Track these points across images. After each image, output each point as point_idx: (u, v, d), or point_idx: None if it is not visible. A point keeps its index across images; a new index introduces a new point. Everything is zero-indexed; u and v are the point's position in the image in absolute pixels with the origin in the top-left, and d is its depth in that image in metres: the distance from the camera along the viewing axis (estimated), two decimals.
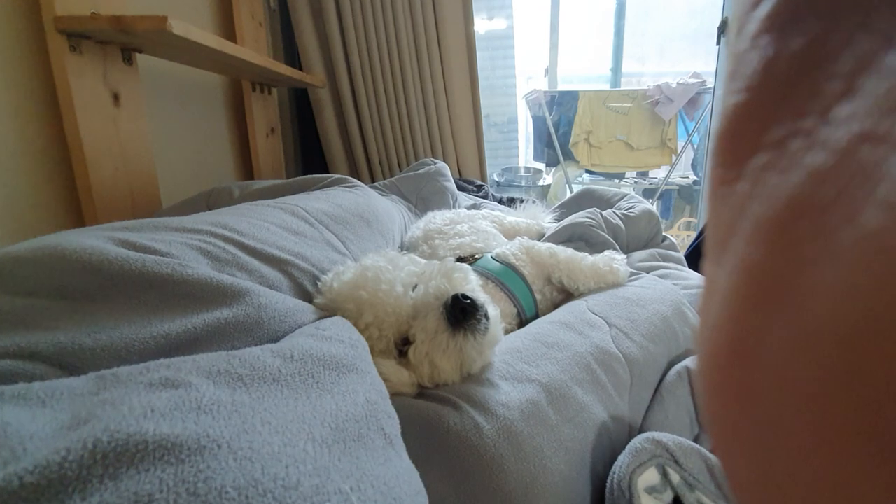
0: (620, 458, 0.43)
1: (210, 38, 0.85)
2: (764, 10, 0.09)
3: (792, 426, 0.07)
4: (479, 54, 1.64)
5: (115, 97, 0.84)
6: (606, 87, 2.73)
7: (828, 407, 0.06)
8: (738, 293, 0.08)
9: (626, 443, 0.47)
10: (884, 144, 0.06)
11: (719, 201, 0.09)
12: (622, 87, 2.68)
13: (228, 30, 1.30)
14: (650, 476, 0.40)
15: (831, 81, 0.07)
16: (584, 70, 2.86)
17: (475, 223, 0.89)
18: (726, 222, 0.09)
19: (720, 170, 0.09)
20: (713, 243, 0.09)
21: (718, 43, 1.81)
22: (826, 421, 0.06)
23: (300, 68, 1.60)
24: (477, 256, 0.75)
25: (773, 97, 0.08)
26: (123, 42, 0.82)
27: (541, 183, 2.64)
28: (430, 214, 0.96)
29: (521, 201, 1.32)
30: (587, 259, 0.76)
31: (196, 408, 0.21)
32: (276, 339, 0.39)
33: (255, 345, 0.38)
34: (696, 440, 0.57)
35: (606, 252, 0.80)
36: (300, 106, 1.74)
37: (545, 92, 2.47)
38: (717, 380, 0.09)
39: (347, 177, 0.86)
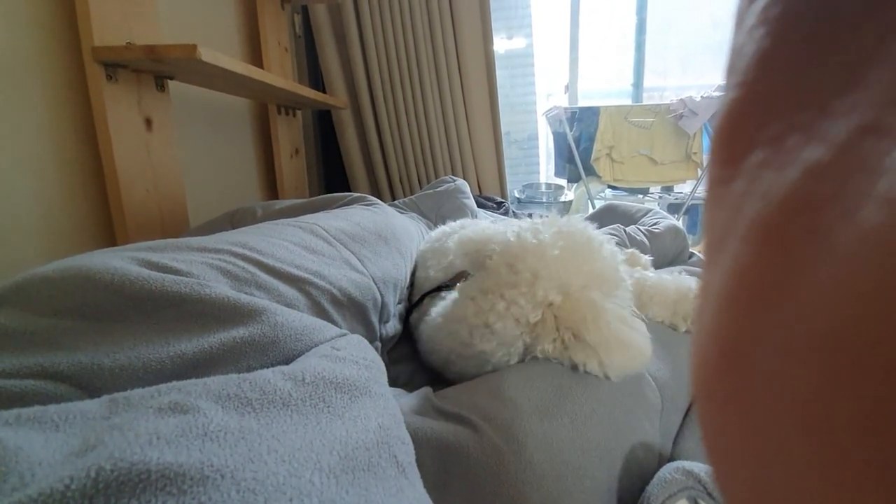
0: (648, 488, 0.41)
1: (238, 65, 0.88)
2: (762, 2, 0.08)
3: (787, 432, 0.07)
4: (499, 73, 1.66)
5: (148, 122, 0.87)
6: (628, 102, 2.71)
7: (824, 411, 0.06)
8: (732, 295, 0.08)
9: (656, 471, 0.44)
10: (887, 137, 0.06)
11: (715, 202, 0.09)
12: (644, 102, 2.65)
13: (256, 56, 1.35)
14: None
15: (831, 74, 0.07)
16: (605, 86, 2.84)
17: (466, 231, 0.88)
18: (722, 223, 0.08)
19: (717, 169, 0.09)
20: (708, 246, 0.09)
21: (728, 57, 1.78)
22: (822, 426, 0.06)
23: (323, 91, 1.65)
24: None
25: (770, 92, 0.08)
26: (156, 70, 0.86)
27: (562, 199, 2.61)
28: (428, 234, 0.95)
29: (541, 217, 1.30)
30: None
31: (202, 434, 0.21)
32: (291, 358, 0.39)
33: (271, 363, 0.38)
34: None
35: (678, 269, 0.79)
36: (323, 127, 1.78)
37: (565, 108, 2.46)
38: (709, 385, 0.08)
39: (366, 195, 0.87)
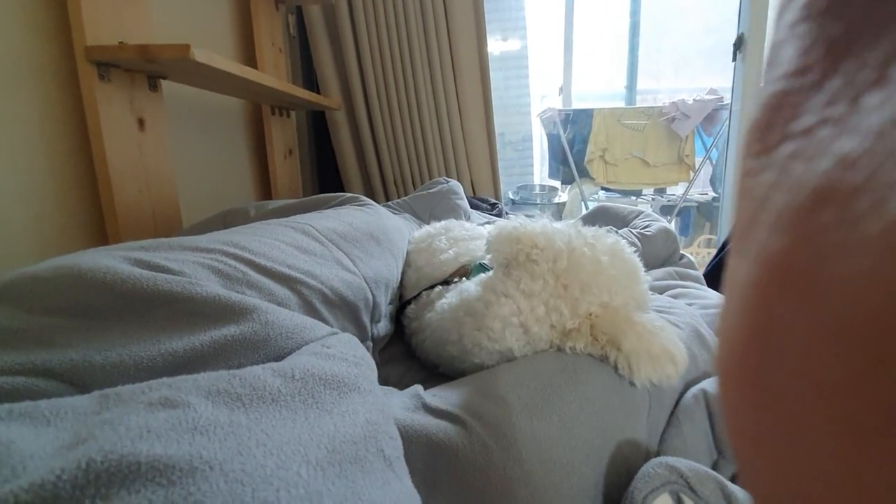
0: (632, 483, 0.41)
1: (231, 65, 0.89)
2: None
3: (813, 420, 0.07)
4: (493, 74, 1.67)
5: (141, 122, 0.87)
6: (621, 104, 2.73)
7: (851, 400, 0.06)
8: (759, 283, 0.08)
9: None
10: None
11: (745, 193, 0.09)
12: (637, 105, 2.67)
13: (250, 56, 1.35)
14: (663, 502, 0.39)
15: (865, 69, 0.07)
16: (599, 88, 2.87)
17: (453, 233, 0.88)
18: (750, 214, 0.08)
19: (749, 160, 0.09)
20: (736, 236, 0.09)
21: (734, 59, 1.80)
22: (849, 414, 0.06)
23: (318, 91, 1.65)
24: (468, 267, 0.75)
25: (806, 86, 0.08)
26: (149, 69, 0.86)
27: (556, 200, 2.63)
28: (413, 235, 0.95)
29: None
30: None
31: (192, 428, 0.21)
32: (282, 356, 0.39)
33: (262, 361, 0.38)
34: (714, 466, 0.55)
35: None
36: (317, 128, 1.79)
37: (559, 110, 2.48)
38: (735, 368, 0.08)
39: (359, 196, 0.87)
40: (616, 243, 0.60)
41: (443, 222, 0.97)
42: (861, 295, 0.06)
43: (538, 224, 0.59)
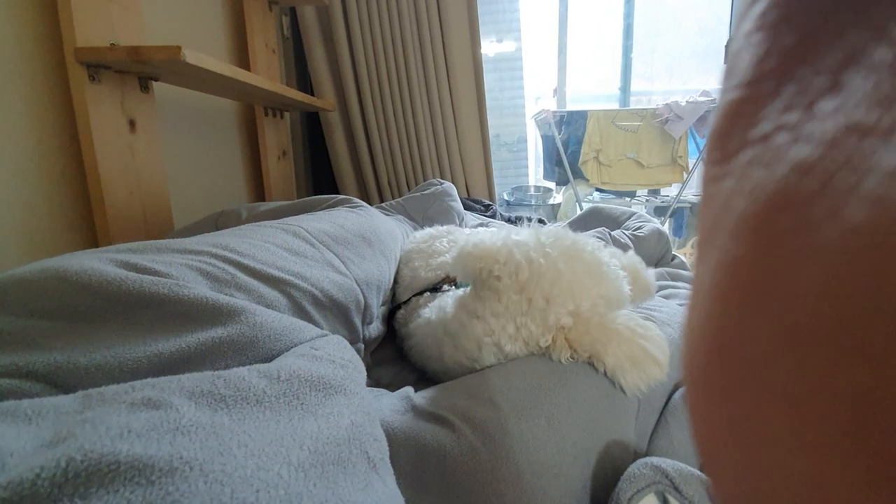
0: (619, 484, 0.42)
1: (223, 67, 0.88)
2: (759, 8, 0.09)
3: (775, 425, 0.07)
4: (488, 76, 1.67)
5: (132, 124, 0.87)
6: (615, 106, 2.74)
7: (811, 405, 0.06)
8: (720, 289, 0.08)
9: None
10: (871, 136, 0.06)
11: (707, 200, 0.09)
12: (631, 106, 2.69)
13: (243, 57, 1.35)
14: (649, 503, 0.39)
15: (818, 76, 0.07)
16: (593, 90, 2.88)
17: (454, 236, 0.89)
18: (712, 220, 0.09)
19: (710, 167, 0.09)
20: (700, 242, 0.09)
21: (726, 61, 1.82)
22: (809, 419, 0.06)
23: (311, 93, 1.65)
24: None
25: (762, 94, 0.08)
26: (140, 71, 0.86)
27: (551, 202, 2.64)
28: (412, 235, 0.96)
29: (540, 221, 1.32)
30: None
31: (174, 429, 0.21)
32: (271, 358, 0.39)
33: (250, 363, 0.38)
34: (701, 467, 0.55)
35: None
36: (311, 129, 1.78)
37: (554, 112, 2.49)
38: (699, 376, 0.09)
39: (351, 198, 0.87)
40: (574, 244, 0.58)
41: (445, 227, 0.98)
42: (819, 301, 0.06)
43: (499, 237, 0.58)
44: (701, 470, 0.53)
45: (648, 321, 0.56)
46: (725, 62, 0.10)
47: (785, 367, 0.07)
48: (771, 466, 0.07)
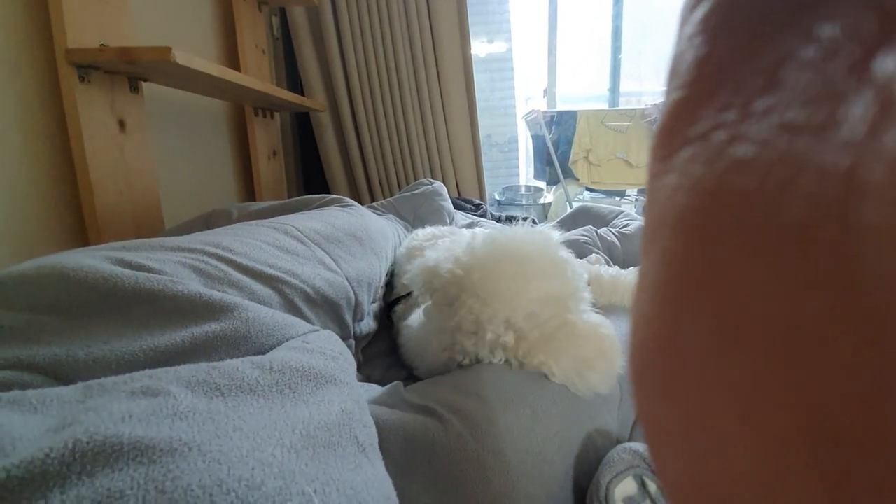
0: (599, 468, 0.44)
1: (213, 67, 0.89)
2: (700, 12, 0.09)
3: (722, 419, 0.07)
4: (479, 76, 1.69)
5: (122, 124, 0.88)
6: (605, 106, 2.78)
7: (754, 399, 0.06)
8: (662, 285, 0.08)
9: None
10: (803, 134, 0.06)
11: (652, 196, 0.09)
12: (620, 107, 2.72)
13: (232, 58, 1.36)
14: (628, 486, 0.41)
15: (753, 77, 0.07)
16: (583, 90, 2.91)
17: (457, 236, 0.91)
18: (655, 215, 0.09)
19: (654, 164, 0.09)
20: (644, 238, 0.09)
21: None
22: (753, 413, 0.06)
23: (302, 93, 1.66)
24: None
25: (702, 93, 0.08)
26: (130, 71, 0.87)
27: (541, 201, 2.66)
28: (413, 232, 0.98)
29: (523, 220, 1.34)
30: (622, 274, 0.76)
31: (172, 414, 0.23)
32: (263, 352, 0.40)
33: (243, 357, 0.39)
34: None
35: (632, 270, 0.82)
36: (302, 129, 1.79)
37: (544, 112, 2.51)
38: (644, 370, 0.09)
39: (343, 197, 0.89)
40: (492, 243, 0.53)
41: (447, 228, 1.00)
42: (756, 300, 0.06)
43: (440, 251, 0.57)
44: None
45: (598, 316, 0.54)
46: (670, 60, 0.10)
47: (727, 363, 0.07)
48: (716, 460, 0.07)
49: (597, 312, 0.58)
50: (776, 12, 0.08)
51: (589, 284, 0.66)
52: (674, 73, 0.09)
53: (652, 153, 0.10)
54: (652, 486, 0.41)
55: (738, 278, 0.07)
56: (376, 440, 0.34)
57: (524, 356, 0.52)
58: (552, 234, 0.58)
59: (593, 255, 0.89)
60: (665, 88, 0.10)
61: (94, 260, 0.39)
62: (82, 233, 0.84)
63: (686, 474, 0.08)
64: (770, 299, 0.06)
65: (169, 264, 0.43)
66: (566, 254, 0.56)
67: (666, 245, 0.08)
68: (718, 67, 0.08)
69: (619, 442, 0.55)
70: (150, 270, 0.41)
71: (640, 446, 0.44)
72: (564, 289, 0.53)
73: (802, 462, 0.06)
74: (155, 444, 0.20)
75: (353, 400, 0.33)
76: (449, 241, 0.88)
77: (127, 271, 0.38)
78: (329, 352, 0.39)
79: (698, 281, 0.07)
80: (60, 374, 0.31)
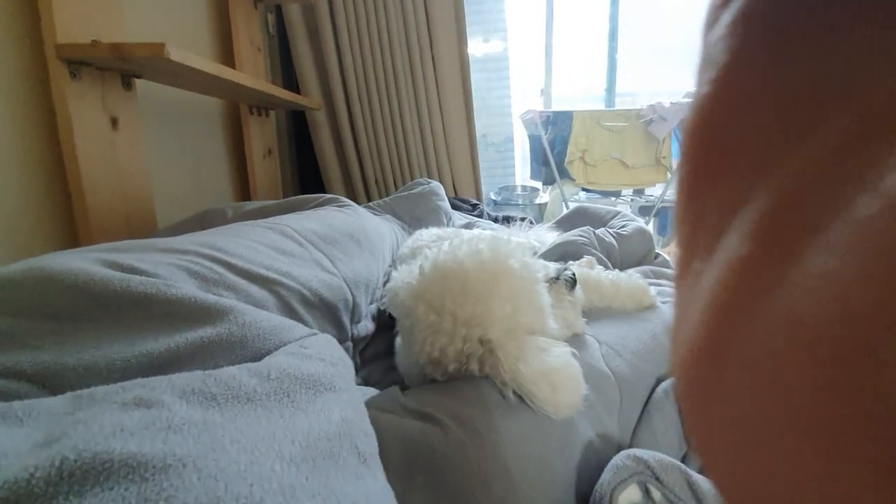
0: (602, 475, 0.43)
1: (207, 64, 0.88)
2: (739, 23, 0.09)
3: (781, 428, 0.07)
4: (475, 76, 1.68)
5: (114, 121, 0.86)
6: (601, 106, 2.78)
7: (821, 409, 0.06)
8: (725, 289, 0.08)
9: None
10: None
11: (709, 198, 0.09)
12: (616, 107, 2.73)
13: (227, 55, 1.34)
14: (632, 493, 0.40)
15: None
16: (579, 90, 2.91)
17: (459, 238, 0.90)
18: (714, 222, 0.08)
19: (697, 172, 0.09)
20: (700, 244, 0.09)
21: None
22: (820, 424, 0.06)
23: (298, 91, 1.64)
24: None
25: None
26: (123, 68, 0.85)
27: (537, 201, 2.66)
28: (418, 232, 0.98)
29: (522, 220, 1.34)
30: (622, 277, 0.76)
31: (166, 427, 0.22)
32: (259, 357, 0.39)
33: (239, 362, 0.38)
34: (684, 458, 0.57)
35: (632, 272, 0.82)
36: (297, 128, 1.77)
37: (540, 112, 2.51)
38: (696, 377, 0.08)
39: (339, 197, 0.88)
40: (435, 269, 0.53)
41: (451, 229, 0.99)
42: (828, 303, 0.06)
43: (402, 273, 0.58)
44: (684, 460, 0.55)
45: (557, 349, 0.52)
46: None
47: (793, 370, 0.06)
48: (774, 466, 0.07)
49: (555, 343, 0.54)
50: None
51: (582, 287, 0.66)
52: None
53: (691, 160, 0.09)
54: (656, 494, 0.40)
55: (810, 284, 0.06)
56: (377, 449, 0.33)
57: (490, 370, 0.51)
58: (507, 249, 0.56)
59: (585, 258, 0.89)
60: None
61: (83, 262, 0.37)
62: (73, 233, 0.82)
63: (744, 486, 0.08)
64: (842, 307, 0.06)
65: (162, 266, 0.42)
66: (518, 265, 0.54)
67: (734, 250, 0.08)
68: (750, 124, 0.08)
69: (620, 447, 0.55)
70: (142, 273, 0.40)
71: (643, 452, 0.43)
72: (492, 314, 0.51)
73: (868, 471, 0.06)
74: (148, 459, 0.19)
75: (354, 407, 0.32)
76: (448, 244, 0.87)
77: (118, 274, 0.37)
78: (328, 357, 0.38)
79: (767, 284, 0.07)
80: (48, 382, 0.29)
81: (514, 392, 0.48)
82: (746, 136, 0.08)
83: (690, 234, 0.09)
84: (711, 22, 0.09)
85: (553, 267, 0.65)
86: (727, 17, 0.09)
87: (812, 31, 0.07)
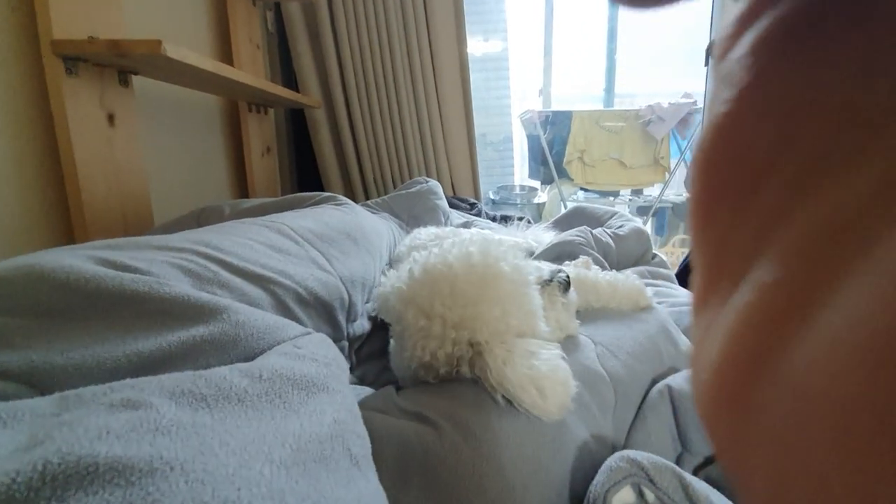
0: (596, 477, 0.43)
1: (205, 61, 0.87)
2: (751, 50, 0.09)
3: (812, 434, 0.07)
4: (475, 75, 1.68)
5: (111, 118, 0.85)
6: (600, 107, 2.78)
7: (854, 412, 0.06)
8: (770, 304, 0.08)
9: None
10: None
11: (736, 218, 0.09)
12: (615, 108, 2.72)
13: (226, 52, 1.33)
14: (625, 495, 0.40)
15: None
16: (578, 91, 2.91)
17: (460, 237, 0.90)
18: (750, 238, 0.08)
19: (722, 189, 0.09)
20: (726, 265, 0.09)
21: (706, 64, 1.86)
22: (853, 426, 0.06)
23: (297, 89, 1.64)
24: None
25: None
26: (120, 65, 0.84)
27: (536, 201, 2.66)
28: (416, 231, 0.97)
29: (520, 219, 1.33)
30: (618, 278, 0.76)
31: (154, 429, 0.21)
32: (253, 356, 0.39)
33: (232, 362, 0.38)
34: (678, 459, 0.57)
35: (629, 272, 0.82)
36: (296, 126, 1.77)
37: (539, 112, 2.50)
38: (723, 392, 0.08)
39: (336, 195, 0.87)
40: (425, 272, 0.52)
41: (449, 229, 0.99)
42: (878, 318, 0.06)
43: (391, 277, 0.57)
44: (678, 462, 0.55)
45: (546, 352, 0.51)
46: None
47: (838, 386, 0.06)
48: (809, 475, 0.07)
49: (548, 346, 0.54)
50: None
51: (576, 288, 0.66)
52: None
53: (710, 173, 0.09)
54: (650, 496, 0.40)
55: (861, 301, 0.06)
56: (370, 451, 0.33)
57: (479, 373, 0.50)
58: (498, 251, 0.56)
59: (581, 259, 0.89)
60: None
61: (76, 259, 0.37)
62: (68, 230, 0.81)
63: (777, 496, 0.08)
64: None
65: (156, 264, 0.42)
66: (509, 268, 0.53)
67: (778, 268, 0.08)
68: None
69: (614, 448, 0.55)
70: (135, 271, 0.39)
71: (637, 454, 0.43)
72: (487, 315, 0.51)
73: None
74: (134, 463, 0.19)
75: (347, 409, 0.32)
76: (448, 243, 0.87)
77: (111, 272, 0.37)
78: (321, 357, 0.37)
79: (815, 302, 0.07)
80: (36, 382, 0.29)
81: (503, 396, 0.48)
82: (777, 156, 0.08)
83: (714, 257, 0.09)
84: (731, 42, 0.09)
85: (547, 269, 0.65)
86: (750, 37, 0.08)
87: (853, 43, 0.07)
